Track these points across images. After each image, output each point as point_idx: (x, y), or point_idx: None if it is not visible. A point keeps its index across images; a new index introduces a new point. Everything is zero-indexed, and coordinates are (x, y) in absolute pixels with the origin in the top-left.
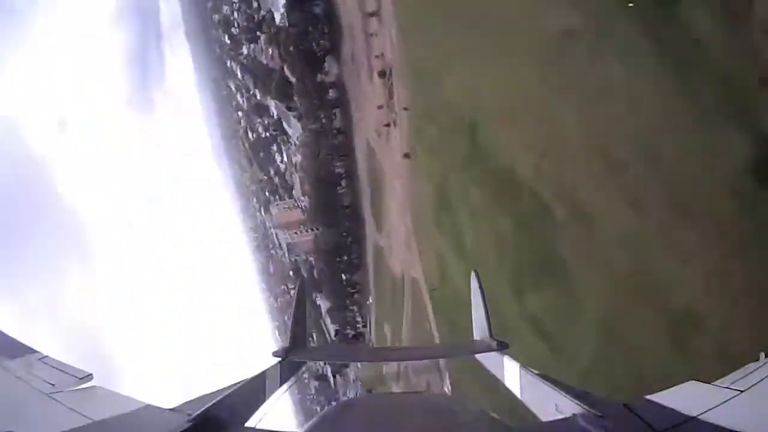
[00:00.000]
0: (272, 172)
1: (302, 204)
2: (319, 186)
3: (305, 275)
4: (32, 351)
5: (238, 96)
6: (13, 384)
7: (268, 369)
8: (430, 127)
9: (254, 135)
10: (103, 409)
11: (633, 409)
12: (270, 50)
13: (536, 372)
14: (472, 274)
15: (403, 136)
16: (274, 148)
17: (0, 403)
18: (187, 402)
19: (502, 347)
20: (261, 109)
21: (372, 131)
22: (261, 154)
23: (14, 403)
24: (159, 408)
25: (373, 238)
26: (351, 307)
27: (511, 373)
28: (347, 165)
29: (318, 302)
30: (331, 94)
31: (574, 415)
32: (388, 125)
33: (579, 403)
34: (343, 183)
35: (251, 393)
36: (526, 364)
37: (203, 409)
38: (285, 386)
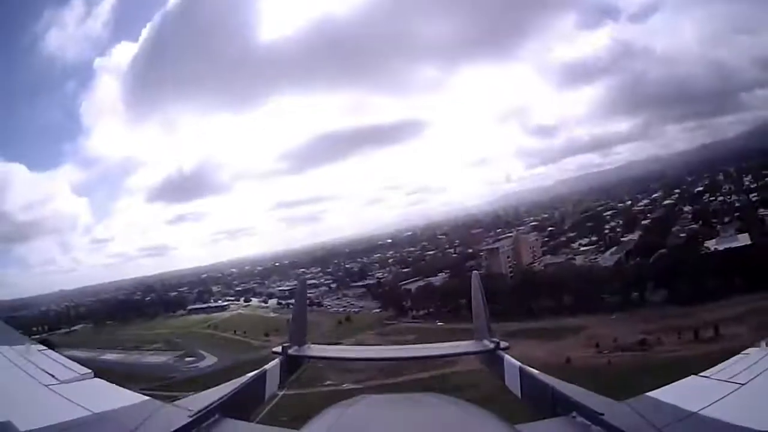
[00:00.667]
0: None
1: None
2: None
3: None
4: (33, 342)
5: None
6: (12, 373)
7: (268, 366)
8: None
9: None
10: (103, 402)
11: (633, 407)
12: None
13: (536, 371)
14: (473, 275)
15: None
16: None
17: None
18: (188, 398)
19: (502, 348)
20: None
21: None
22: None
23: (12, 393)
24: (160, 403)
25: None
26: None
27: (511, 373)
28: None
29: None
30: None
31: (574, 413)
32: None
33: (579, 401)
34: None
35: (252, 390)
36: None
37: (205, 405)
38: (285, 383)
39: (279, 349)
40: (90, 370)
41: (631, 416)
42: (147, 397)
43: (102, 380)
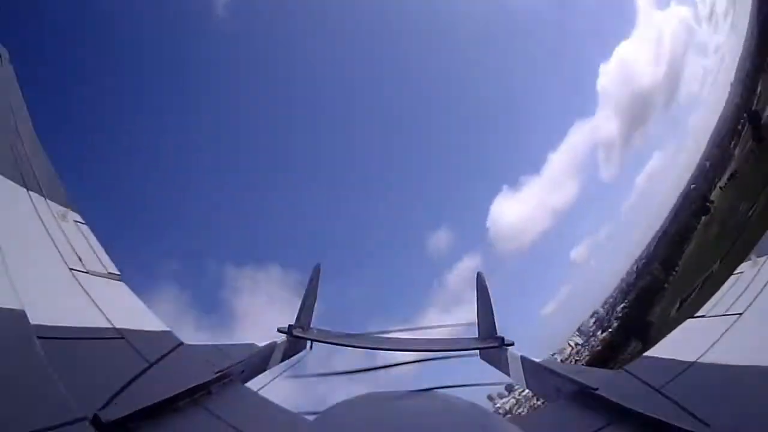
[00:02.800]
0: None
1: None
2: None
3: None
4: (73, 208)
5: None
6: (40, 238)
7: (277, 341)
8: None
9: None
10: (125, 317)
11: (632, 372)
12: None
13: (536, 360)
14: (477, 274)
15: None
16: None
17: None
18: (204, 345)
19: (507, 344)
20: None
21: None
22: None
23: (33, 265)
24: (179, 340)
25: None
26: None
27: (515, 367)
28: None
29: None
30: None
31: (572, 393)
32: None
33: (574, 380)
34: None
35: (260, 359)
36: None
37: (226, 366)
38: (286, 362)
39: (285, 327)
40: (119, 272)
41: (629, 382)
42: (167, 328)
43: (127, 287)
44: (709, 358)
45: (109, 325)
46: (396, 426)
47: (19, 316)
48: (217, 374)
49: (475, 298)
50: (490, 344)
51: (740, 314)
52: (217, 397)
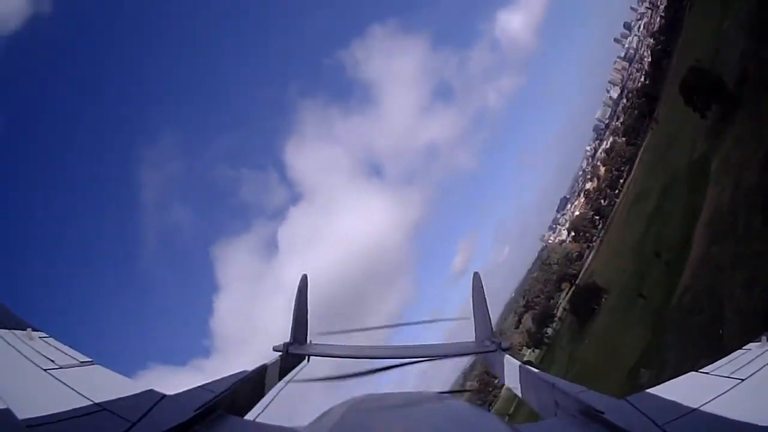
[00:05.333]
0: None
1: None
2: None
3: None
4: (34, 328)
5: None
6: (10, 356)
7: (268, 363)
8: None
9: None
10: (103, 391)
11: (634, 404)
12: None
13: (536, 370)
14: (473, 275)
15: None
16: None
17: None
18: (190, 390)
19: (503, 348)
20: None
21: None
22: None
23: (11, 378)
24: (161, 394)
25: None
26: None
27: (511, 373)
28: None
29: None
30: None
31: (575, 412)
32: None
33: (579, 399)
34: None
35: (252, 386)
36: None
37: (208, 400)
38: (284, 381)
39: (280, 345)
40: (90, 359)
41: (632, 413)
42: (148, 388)
43: (103, 368)
44: (710, 409)
45: (90, 402)
46: (391, 427)
47: (6, 412)
48: (197, 411)
49: (471, 299)
50: (487, 348)
51: (743, 380)
52: None
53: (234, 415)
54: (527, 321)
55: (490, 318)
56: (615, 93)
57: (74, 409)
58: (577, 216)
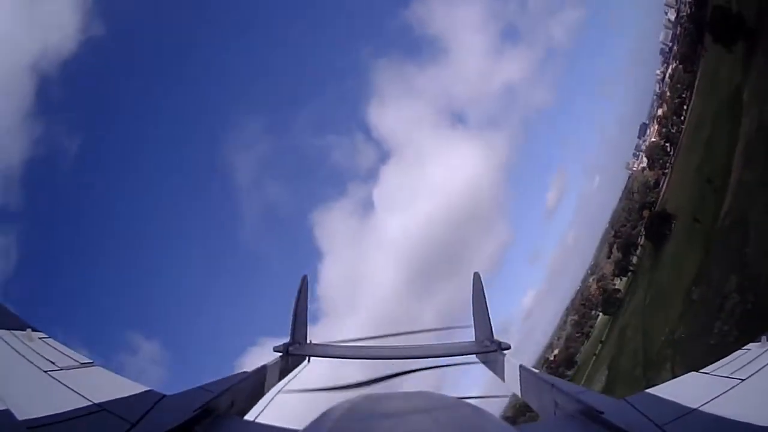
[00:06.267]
0: None
1: None
2: None
3: None
4: (34, 329)
5: None
6: (11, 357)
7: (268, 364)
8: None
9: None
10: (103, 392)
11: (633, 404)
12: None
13: (536, 371)
14: (473, 275)
15: None
16: None
17: None
18: (190, 390)
19: (503, 348)
20: None
21: None
22: None
23: (11, 379)
24: (161, 394)
25: None
26: None
27: (511, 373)
28: None
29: None
30: None
31: (574, 412)
32: None
33: (579, 399)
34: None
35: (252, 386)
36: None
37: (207, 400)
38: (284, 381)
39: (280, 345)
40: (91, 360)
41: (632, 413)
42: (148, 388)
43: (103, 369)
44: (709, 409)
45: (90, 403)
46: (391, 428)
47: (7, 413)
48: (196, 412)
49: (471, 299)
50: (487, 348)
51: (742, 380)
52: None
53: (234, 416)
54: (615, 250)
55: (490, 318)
56: (672, 15)
57: (74, 410)
58: (651, 143)
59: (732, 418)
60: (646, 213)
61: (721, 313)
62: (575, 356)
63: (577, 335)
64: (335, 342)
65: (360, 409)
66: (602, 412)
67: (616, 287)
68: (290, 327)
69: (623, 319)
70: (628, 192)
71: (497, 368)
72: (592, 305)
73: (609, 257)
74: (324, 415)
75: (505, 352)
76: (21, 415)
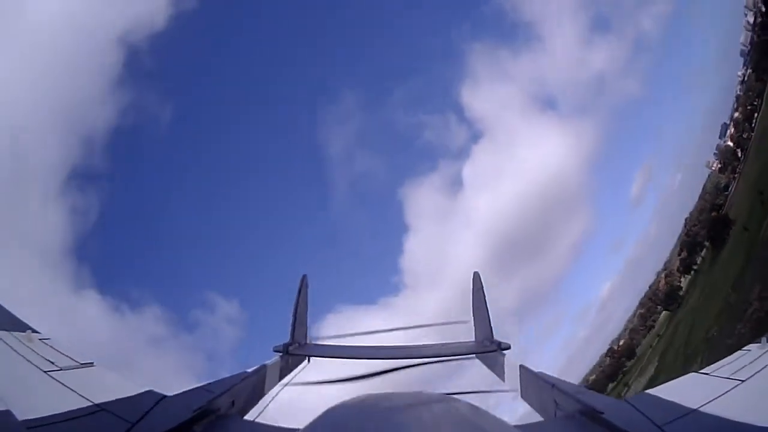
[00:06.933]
0: None
1: None
2: None
3: None
4: (34, 330)
5: None
6: (11, 357)
7: (268, 363)
8: None
9: None
10: (103, 392)
11: (634, 404)
12: None
13: (536, 371)
14: (473, 275)
15: None
16: None
17: None
18: (189, 390)
19: (503, 348)
20: None
21: None
22: None
23: (11, 380)
24: (161, 394)
25: None
26: None
27: (511, 373)
28: None
29: None
30: None
31: (574, 412)
32: None
33: (579, 399)
34: None
35: (252, 386)
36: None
37: (207, 400)
38: (284, 381)
39: (280, 345)
40: (91, 360)
41: (632, 413)
42: (148, 388)
43: (103, 369)
44: (709, 410)
45: (90, 403)
46: (391, 428)
47: (7, 414)
48: (196, 412)
49: (471, 298)
50: (487, 348)
51: (742, 381)
52: None
53: (234, 416)
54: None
55: (489, 318)
56: (750, 18)
57: (74, 410)
58: (724, 146)
59: (732, 418)
60: (714, 215)
61: (743, 317)
62: (636, 348)
63: (641, 328)
64: (337, 334)
65: (360, 409)
66: (602, 412)
67: (680, 285)
68: (290, 327)
69: (679, 316)
70: (704, 191)
71: (497, 368)
72: (658, 300)
73: (679, 255)
74: (324, 415)
75: (504, 352)
76: (21, 415)
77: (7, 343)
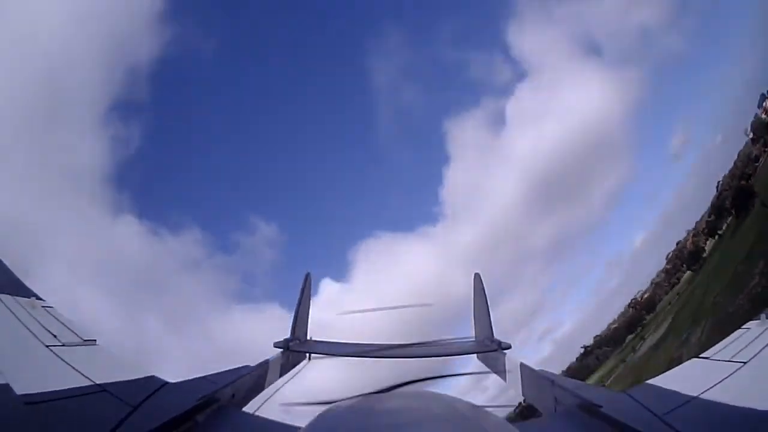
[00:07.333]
0: None
1: None
2: None
3: None
4: (38, 297)
5: None
6: (13, 325)
7: (270, 359)
8: None
9: None
10: (105, 372)
11: (633, 396)
12: None
13: (536, 369)
14: (474, 275)
15: None
16: None
17: None
18: (190, 379)
19: (504, 347)
20: None
21: None
22: None
23: (11, 349)
24: (163, 381)
25: None
26: None
27: (512, 373)
28: None
29: None
30: None
31: (573, 407)
32: None
33: (578, 394)
34: None
35: (254, 381)
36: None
37: (210, 390)
38: (285, 377)
39: (281, 341)
40: (94, 338)
41: (631, 405)
42: (151, 374)
43: (105, 348)
44: (710, 396)
45: (91, 383)
46: (392, 427)
47: (6, 388)
48: (200, 401)
49: (472, 299)
50: (487, 348)
51: (744, 363)
52: (205, 426)
53: (236, 408)
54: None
55: (490, 317)
56: None
57: (75, 388)
58: (757, 118)
59: (733, 404)
60: (742, 183)
61: (745, 290)
62: (657, 303)
63: (665, 284)
64: (336, 340)
65: (360, 409)
66: (601, 406)
67: (704, 247)
68: (291, 323)
69: (699, 278)
70: (738, 158)
71: (498, 367)
72: (683, 258)
73: (709, 217)
74: (323, 415)
75: (505, 351)
76: (19, 389)
77: (9, 309)
